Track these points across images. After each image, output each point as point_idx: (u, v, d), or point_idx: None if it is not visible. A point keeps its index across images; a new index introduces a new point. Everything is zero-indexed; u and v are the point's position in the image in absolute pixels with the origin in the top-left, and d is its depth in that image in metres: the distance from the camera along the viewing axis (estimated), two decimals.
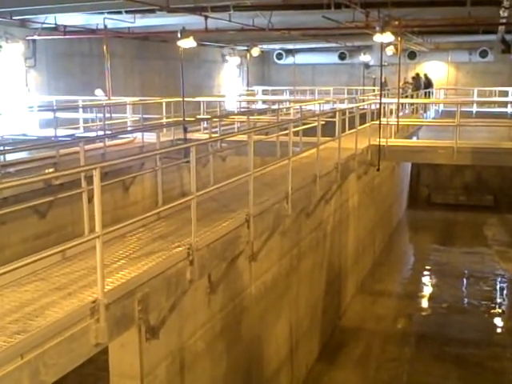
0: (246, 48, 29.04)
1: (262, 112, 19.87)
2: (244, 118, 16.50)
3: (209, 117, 17.13)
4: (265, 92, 30.60)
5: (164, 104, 16.68)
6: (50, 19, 16.38)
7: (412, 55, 31.17)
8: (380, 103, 14.80)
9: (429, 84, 28.01)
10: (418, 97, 25.04)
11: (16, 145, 11.61)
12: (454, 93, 31.31)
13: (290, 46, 30.71)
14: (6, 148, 10.85)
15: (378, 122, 14.07)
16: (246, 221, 7.29)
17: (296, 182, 8.97)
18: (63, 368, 4.36)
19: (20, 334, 4.17)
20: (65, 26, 17.43)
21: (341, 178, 11.61)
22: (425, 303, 15.38)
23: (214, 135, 13.94)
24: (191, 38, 14.63)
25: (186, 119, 14.83)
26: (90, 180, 5.02)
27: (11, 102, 16.52)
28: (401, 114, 18.10)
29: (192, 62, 25.08)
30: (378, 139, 13.63)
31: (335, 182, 11.53)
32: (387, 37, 14.38)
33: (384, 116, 15.04)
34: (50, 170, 10.79)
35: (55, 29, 17.45)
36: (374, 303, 14.84)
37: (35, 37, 17.31)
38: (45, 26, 16.85)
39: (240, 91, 30.25)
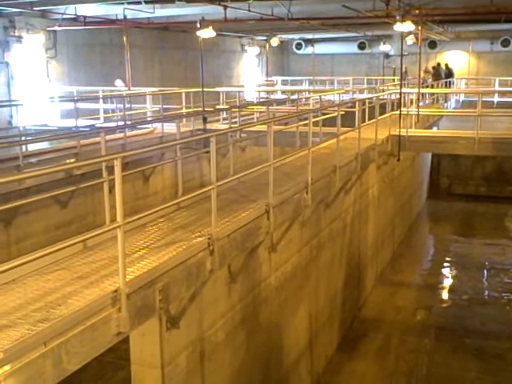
0: (265, 38, 28.97)
1: (281, 102, 19.82)
2: (263, 108, 16.46)
3: (228, 107, 17.11)
4: (284, 82, 30.48)
5: (183, 94, 16.70)
6: (71, 10, 16.45)
7: (432, 44, 30.85)
8: (400, 93, 14.69)
9: (450, 74, 27.72)
10: (438, 87, 24.80)
11: (37, 135, 11.70)
12: (475, 82, 30.95)
13: (310, 36, 30.56)
14: (28, 138, 10.94)
15: (398, 112, 13.96)
16: (265, 211, 7.28)
17: (316, 173, 8.94)
18: (85, 356, 4.40)
19: (43, 322, 4.21)
20: (85, 17, 17.48)
21: (361, 169, 11.56)
22: (445, 295, 15.30)
23: (233, 125, 13.94)
24: (210, 27, 14.62)
25: (206, 109, 14.83)
26: (110, 170, 5.05)
27: (32, 92, 16.63)
28: (421, 104, 17.95)
29: (211, 52, 25.07)
30: (398, 129, 13.53)
31: (355, 172, 11.47)
32: (408, 26, 14.23)
33: (404, 106, 14.92)
34: (71, 160, 10.87)
35: (75, 19, 17.52)
36: (394, 294, 14.79)
37: (56, 27, 17.40)
38: (65, 16, 16.93)
39: (259, 81, 30.17)
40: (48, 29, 17.30)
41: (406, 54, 23.77)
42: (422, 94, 19.92)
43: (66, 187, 7.71)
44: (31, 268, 5.12)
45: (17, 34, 16.02)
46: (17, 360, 3.83)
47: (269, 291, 8.28)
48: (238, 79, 29.27)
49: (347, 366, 11.45)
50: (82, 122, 13.44)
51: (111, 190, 6.17)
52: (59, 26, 17.38)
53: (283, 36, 29.21)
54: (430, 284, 15.74)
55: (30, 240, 10.18)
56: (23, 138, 10.84)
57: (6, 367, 3.75)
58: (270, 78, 30.48)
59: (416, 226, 21.13)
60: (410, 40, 22.40)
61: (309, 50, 32.38)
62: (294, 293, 9.33)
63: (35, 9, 15.22)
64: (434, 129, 18.25)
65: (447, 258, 17.87)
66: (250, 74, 30.33)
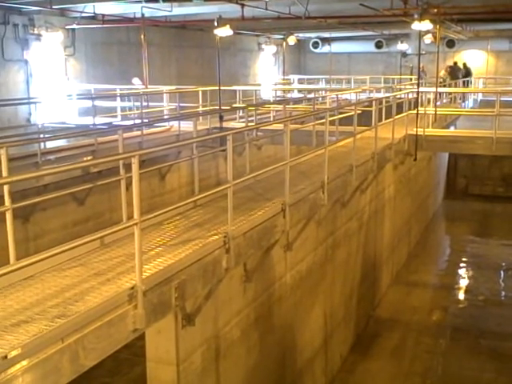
0: (282, 36, 28.91)
1: (297, 101, 19.80)
2: (280, 106, 16.46)
3: (245, 105, 17.12)
4: (300, 81, 30.43)
5: (200, 92, 16.74)
6: (89, 8, 16.54)
7: (450, 43, 30.61)
8: (418, 92, 14.62)
9: (467, 73, 27.51)
10: (456, 86, 24.64)
11: (55, 133, 11.78)
12: (494, 82, 30.68)
13: (326, 35, 30.45)
14: (46, 136, 11.02)
15: (415, 112, 13.90)
16: (281, 210, 7.29)
17: (332, 172, 8.94)
18: (102, 352, 4.44)
19: (60, 318, 4.24)
20: (103, 15, 17.57)
21: (377, 168, 11.53)
22: (461, 295, 15.22)
23: (249, 124, 13.95)
24: (228, 26, 14.61)
25: (222, 108, 14.85)
26: (127, 168, 5.08)
27: (51, 90, 16.75)
28: (438, 103, 17.85)
29: (228, 50, 25.08)
30: (415, 129, 13.47)
31: (371, 171, 11.44)
32: (426, 25, 14.16)
33: (421, 105, 14.85)
34: (89, 157, 10.94)
35: (94, 18, 17.61)
36: (409, 294, 14.74)
37: (74, 26, 17.50)
38: (84, 15, 17.02)
39: (276, 80, 30.15)
40: (67, 27, 17.41)
41: (423, 52, 23.60)
42: (440, 93, 19.82)
43: (83, 184, 7.78)
44: (49, 264, 5.17)
45: (36, 32, 16.14)
46: (34, 355, 3.86)
47: (284, 290, 8.29)
48: (254, 78, 29.27)
49: (362, 365, 11.44)
50: (100, 120, 13.53)
51: (128, 187, 6.22)
52: (78, 24, 17.48)
53: (300, 35, 29.14)
54: (445, 284, 15.67)
55: (47, 236, 10.27)
56: (41, 136, 10.92)
57: (24, 362, 3.79)
58: (286, 77, 30.44)
59: (432, 226, 21.03)
60: (428, 39, 22.25)
61: (325, 48, 32.30)
62: (309, 292, 9.33)
63: (54, 7, 15.32)
64: (452, 128, 18.12)
65: (463, 259, 17.77)
66: (266, 72, 30.31)
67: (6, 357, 3.70)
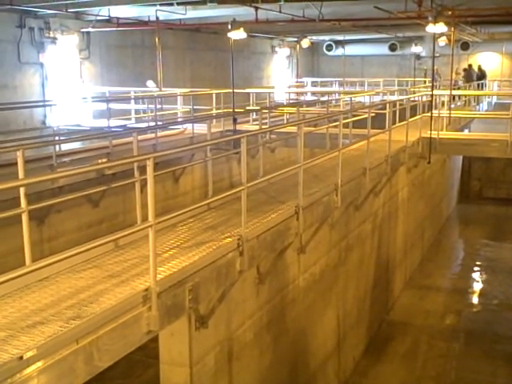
0: (295, 39, 28.94)
1: (311, 103, 19.79)
2: (293, 109, 16.47)
3: (258, 108, 17.14)
4: (314, 83, 30.43)
5: (214, 95, 16.79)
6: (104, 11, 16.67)
7: (465, 46, 30.46)
8: (432, 95, 14.56)
9: (482, 75, 27.38)
10: (470, 88, 24.52)
11: (70, 135, 11.85)
12: (508, 84, 30.50)
13: (340, 37, 30.44)
14: (61, 138, 11.10)
15: (429, 114, 13.85)
16: (295, 212, 7.29)
17: (345, 175, 8.93)
18: (116, 354, 4.45)
19: (75, 319, 4.27)
20: (118, 18, 17.69)
21: (391, 171, 11.50)
22: (474, 299, 15.12)
23: (263, 126, 13.97)
24: (242, 29, 14.64)
25: (236, 110, 14.88)
26: (142, 170, 5.11)
27: (66, 93, 16.87)
28: (452, 106, 17.77)
29: (242, 53, 25.15)
30: (429, 131, 13.42)
31: (385, 174, 11.42)
32: (440, 27, 14.08)
33: (435, 108, 14.80)
34: (103, 159, 11.00)
35: (108, 21, 17.74)
36: (423, 298, 14.67)
37: (89, 29, 17.64)
38: (99, 18, 17.15)
39: (289, 83, 30.16)
40: (82, 30, 17.55)
41: (437, 55, 23.53)
42: (454, 95, 19.73)
43: (97, 187, 7.83)
44: (64, 266, 5.21)
45: (51, 35, 16.28)
46: (49, 356, 3.89)
47: (297, 292, 8.29)
48: (268, 80, 29.30)
49: (375, 368, 11.41)
50: (114, 123, 13.60)
51: (142, 189, 6.26)
52: (93, 27, 17.62)
53: (314, 37, 29.15)
54: (459, 288, 15.58)
55: (61, 238, 10.33)
56: (56, 138, 11.00)
57: (39, 363, 3.82)
58: (300, 80, 30.45)
59: (446, 229, 20.93)
60: (442, 41, 22.18)
61: (339, 51, 32.27)
62: (322, 294, 9.33)
63: (70, 10, 15.46)
64: (466, 131, 18.04)
65: (477, 262, 17.67)
66: (280, 75, 30.34)
67: (21, 358, 3.73)
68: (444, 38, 21.28)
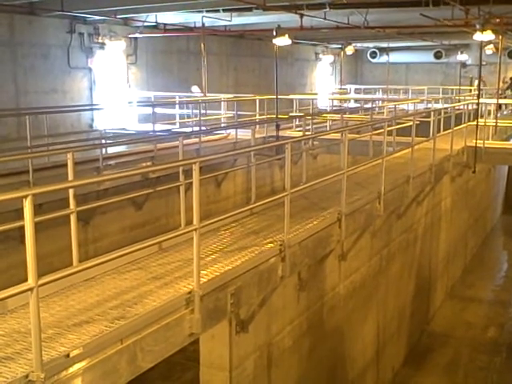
0: (339, 46, 28.85)
1: (354, 111, 19.70)
2: (336, 116, 16.43)
3: (301, 114, 17.15)
4: (357, 91, 30.27)
5: (257, 101, 16.86)
6: (151, 18, 16.91)
7: None
8: (478, 103, 14.36)
9: None
10: None
11: (116, 139, 12.07)
12: None
13: (384, 45, 30.22)
14: (108, 141, 11.30)
15: (474, 123, 13.66)
16: (337, 219, 7.28)
17: (388, 183, 8.88)
18: (158, 355, 4.52)
19: (120, 319, 4.37)
20: (165, 24, 17.93)
21: (434, 180, 11.38)
22: None
23: (306, 133, 13.98)
24: (286, 35, 14.66)
25: (279, 116, 14.93)
26: (186, 174, 5.18)
27: (113, 97, 17.17)
28: (499, 114, 17.48)
29: (285, 59, 25.19)
30: (474, 140, 13.23)
31: (428, 183, 11.30)
32: (487, 35, 13.89)
33: (481, 117, 14.58)
34: (148, 163, 11.17)
35: (155, 27, 17.99)
36: (464, 310, 14.45)
37: (137, 34, 17.91)
38: (146, 24, 17.41)
39: (332, 89, 30.08)
40: (129, 36, 17.83)
41: (484, 63, 23.17)
42: (500, 104, 19.40)
43: (141, 190, 7.96)
44: (109, 267, 5.32)
45: (100, 40, 16.59)
46: (94, 355, 3.97)
47: (337, 300, 8.26)
48: (311, 87, 29.26)
49: (414, 379, 11.27)
50: (159, 127, 13.78)
51: (185, 193, 6.35)
52: (140, 33, 17.89)
53: (358, 44, 29.02)
54: (502, 300, 15.29)
55: (105, 240, 10.51)
56: (103, 141, 11.20)
57: (84, 362, 3.90)
58: (343, 87, 30.33)
59: (489, 240, 20.55)
60: (489, 49, 21.82)
61: (383, 58, 32.02)
62: (363, 302, 9.28)
63: (118, 16, 15.73)
64: None
65: None
66: (323, 82, 30.27)
67: (68, 355, 3.83)
68: (491, 45, 20.93)
